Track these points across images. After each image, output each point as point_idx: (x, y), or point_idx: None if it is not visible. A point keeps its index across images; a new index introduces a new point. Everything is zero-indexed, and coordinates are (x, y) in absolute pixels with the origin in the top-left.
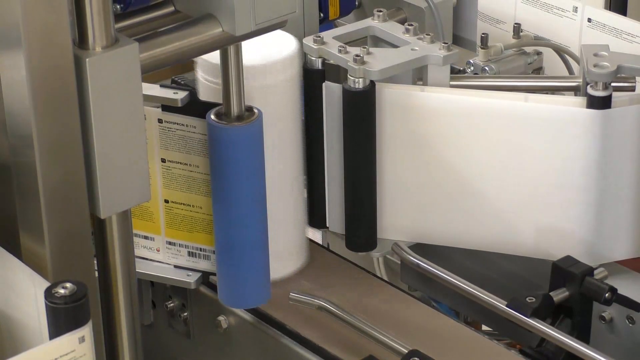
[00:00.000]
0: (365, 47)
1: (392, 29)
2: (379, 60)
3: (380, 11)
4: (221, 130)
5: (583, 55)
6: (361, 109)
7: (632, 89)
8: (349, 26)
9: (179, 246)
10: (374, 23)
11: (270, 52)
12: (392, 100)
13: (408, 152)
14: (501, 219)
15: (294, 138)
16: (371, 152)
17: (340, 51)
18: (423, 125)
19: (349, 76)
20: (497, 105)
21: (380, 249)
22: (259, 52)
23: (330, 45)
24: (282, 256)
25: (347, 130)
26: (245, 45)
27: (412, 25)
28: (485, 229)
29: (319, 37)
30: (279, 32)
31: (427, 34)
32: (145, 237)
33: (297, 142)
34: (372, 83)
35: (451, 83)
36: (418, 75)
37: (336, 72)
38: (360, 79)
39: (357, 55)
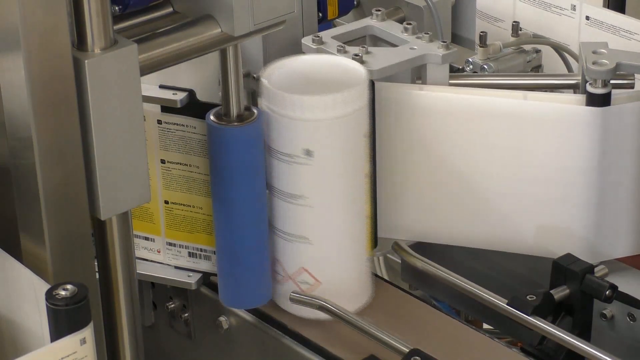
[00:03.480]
0: (364, 47)
1: (391, 28)
2: (378, 59)
3: (379, 10)
4: (221, 130)
5: (582, 52)
6: None
7: (631, 86)
8: (348, 26)
9: (180, 247)
10: (373, 22)
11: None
12: (391, 99)
13: (407, 151)
14: (501, 216)
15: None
16: (371, 152)
17: (339, 51)
18: (422, 124)
19: None
20: (496, 103)
21: (381, 248)
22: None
23: (329, 45)
24: (348, 292)
25: None
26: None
27: (410, 24)
28: (486, 227)
29: (318, 36)
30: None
31: (425, 33)
32: (146, 238)
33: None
34: (372, 82)
35: (450, 82)
36: (417, 74)
37: None
38: None
39: (355, 55)
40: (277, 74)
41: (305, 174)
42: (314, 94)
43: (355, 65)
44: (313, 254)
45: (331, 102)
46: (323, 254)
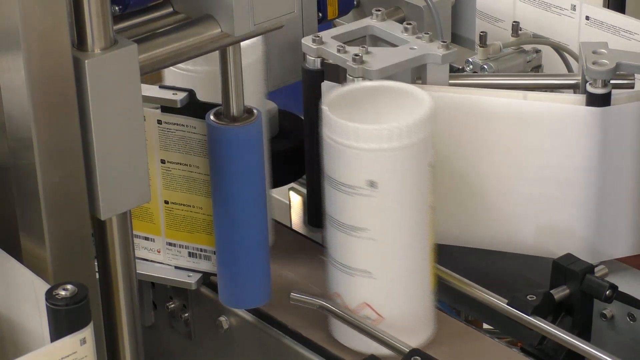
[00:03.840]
0: (364, 47)
1: (391, 28)
2: (378, 59)
3: (379, 10)
4: (220, 130)
5: (582, 52)
6: None
7: (631, 86)
8: (348, 26)
9: (180, 247)
10: (373, 22)
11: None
12: None
13: None
14: (501, 217)
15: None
16: None
17: (339, 51)
18: None
19: (348, 75)
20: (496, 103)
21: None
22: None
23: (329, 45)
24: (412, 327)
25: None
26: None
27: (410, 24)
28: (486, 227)
29: (318, 36)
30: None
31: (425, 33)
32: (146, 238)
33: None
34: None
35: (450, 82)
36: (417, 74)
37: (335, 72)
38: (359, 79)
39: (356, 55)
40: (338, 101)
41: (368, 205)
42: (379, 123)
43: (421, 92)
44: (376, 289)
45: (397, 131)
46: (387, 289)
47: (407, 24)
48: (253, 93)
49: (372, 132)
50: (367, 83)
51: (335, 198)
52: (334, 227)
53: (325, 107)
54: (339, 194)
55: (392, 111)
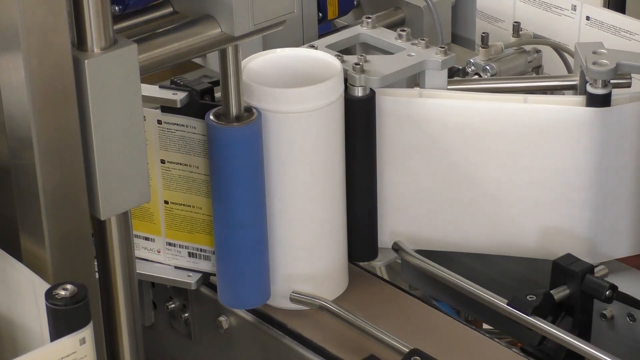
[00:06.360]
0: (363, 55)
1: (383, 35)
2: (379, 67)
3: (369, 18)
4: (220, 130)
5: (579, 53)
6: (362, 117)
7: (628, 85)
8: (339, 34)
9: (179, 247)
10: (364, 30)
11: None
12: (391, 106)
13: (407, 158)
14: (502, 221)
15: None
16: (372, 161)
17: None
18: (422, 130)
19: (349, 85)
20: (496, 108)
21: (382, 258)
22: None
23: None
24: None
25: (347, 139)
26: None
27: (404, 30)
28: (487, 233)
29: (314, 46)
30: None
31: (421, 39)
32: (146, 238)
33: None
34: (372, 91)
35: (449, 87)
36: (413, 80)
37: None
38: (361, 87)
39: (356, 64)
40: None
41: None
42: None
43: None
44: None
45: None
46: None
47: (401, 30)
48: None
49: None
50: None
51: None
52: None
53: None
54: None
55: None
